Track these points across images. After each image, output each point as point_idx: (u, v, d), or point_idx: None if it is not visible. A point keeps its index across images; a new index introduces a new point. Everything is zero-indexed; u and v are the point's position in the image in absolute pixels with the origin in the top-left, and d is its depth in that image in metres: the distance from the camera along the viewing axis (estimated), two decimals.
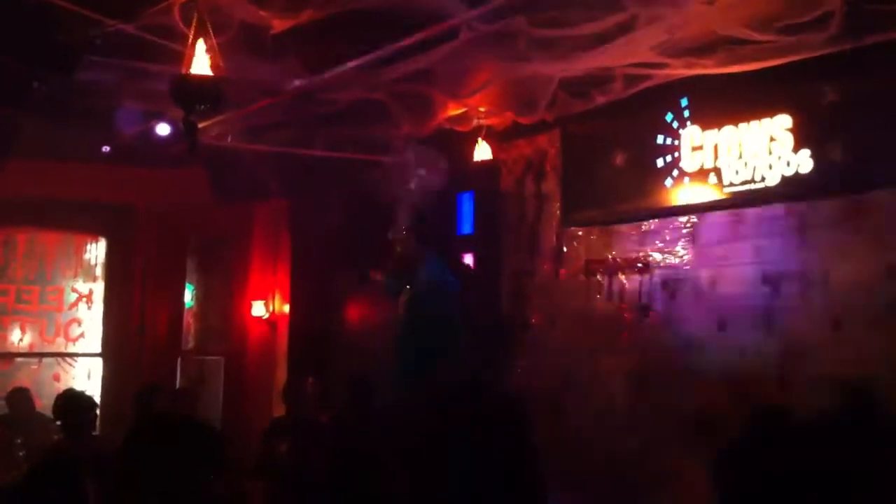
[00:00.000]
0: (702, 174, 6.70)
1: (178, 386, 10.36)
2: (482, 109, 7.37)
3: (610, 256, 7.37)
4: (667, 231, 6.96)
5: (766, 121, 6.26)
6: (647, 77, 6.21)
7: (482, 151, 7.91)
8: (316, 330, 9.91)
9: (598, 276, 7.42)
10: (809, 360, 5.81)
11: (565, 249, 7.78)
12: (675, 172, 6.89)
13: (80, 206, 10.18)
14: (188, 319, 11.16)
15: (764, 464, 1.45)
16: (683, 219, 6.85)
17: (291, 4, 5.39)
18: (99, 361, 10.70)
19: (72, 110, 7.55)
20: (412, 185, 6.35)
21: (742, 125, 6.42)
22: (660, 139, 6.98)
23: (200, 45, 5.02)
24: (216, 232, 10.92)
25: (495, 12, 5.36)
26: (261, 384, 10.15)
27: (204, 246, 11.23)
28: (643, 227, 7.16)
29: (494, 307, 8.33)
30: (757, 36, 5.36)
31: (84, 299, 10.79)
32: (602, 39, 5.61)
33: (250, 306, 10.36)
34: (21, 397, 8.60)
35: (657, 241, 7.02)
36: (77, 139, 8.63)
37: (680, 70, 5.97)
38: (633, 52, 5.75)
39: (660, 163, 6.99)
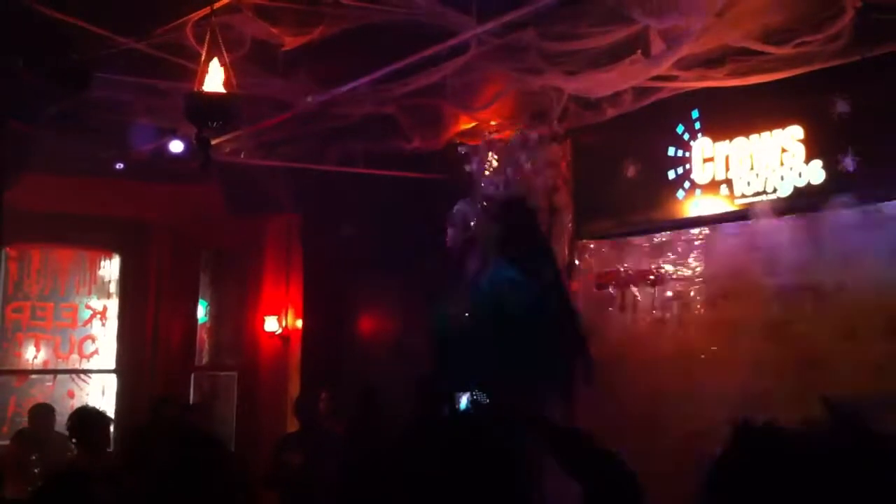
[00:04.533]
0: (713, 186, 6.69)
1: (191, 401, 10.38)
2: (493, 123, 7.39)
3: (622, 269, 7.36)
4: (679, 243, 6.94)
5: (777, 132, 6.25)
6: (658, 89, 6.23)
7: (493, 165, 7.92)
8: (329, 344, 9.92)
9: (611, 289, 7.41)
10: (823, 372, 5.78)
11: (577, 262, 7.77)
12: (687, 184, 6.89)
13: (93, 221, 10.22)
14: (202, 335, 11.20)
15: (758, 485, 1.45)
16: (695, 231, 6.83)
17: (303, 21, 5.43)
18: (113, 378, 10.73)
19: (86, 126, 7.60)
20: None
21: (753, 136, 6.41)
22: (671, 151, 6.98)
23: (213, 62, 5.06)
24: (229, 247, 10.96)
25: (505, 26, 5.38)
26: (274, 399, 10.16)
27: (217, 261, 11.27)
28: (655, 239, 7.14)
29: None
30: (767, 48, 5.37)
31: (98, 316, 10.83)
32: (613, 55, 5.62)
33: (263, 321, 10.38)
34: (43, 413, 8.59)
35: (669, 254, 7.00)
36: (91, 155, 8.68)
37: (691, 82, 5.98)
38: (646, 71, 5.77)
39: (671, 175, 6.99)
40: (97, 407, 7.49)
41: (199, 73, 5.07)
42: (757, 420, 1.53)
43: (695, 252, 6.81)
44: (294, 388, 9.90)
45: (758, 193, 6.38)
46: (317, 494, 7.02)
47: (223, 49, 5.06)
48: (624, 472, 2.36)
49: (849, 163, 5.80)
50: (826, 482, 1.39)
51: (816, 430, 1.46)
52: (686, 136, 6.89)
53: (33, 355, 10.54)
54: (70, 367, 10.67)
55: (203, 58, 5.07)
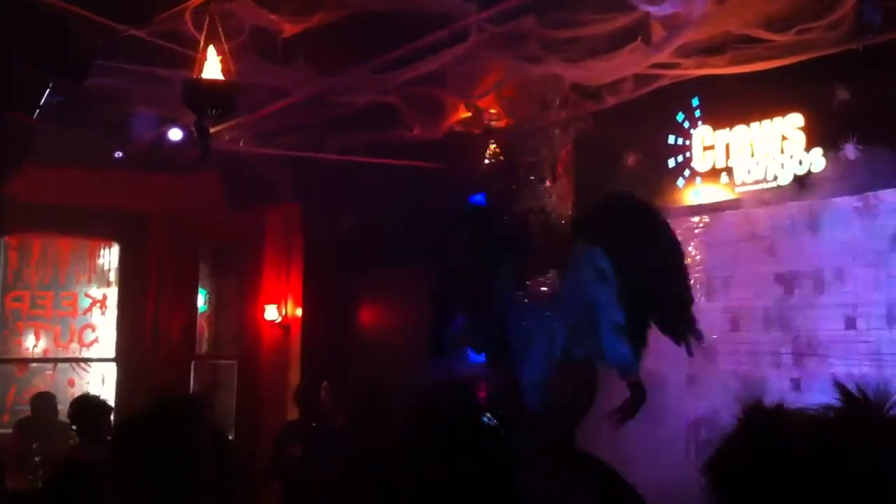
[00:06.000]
0: (714, 174, 6.68)
1: (192, 390, 10.39)
2: (493, 111, 7.36)
3: None
4: (679, 231, 6.90)
5: (777, 120, 6.24)
6: (658, 77, 6.21)
7: (494, 153, 7.89)
8: (329, 333, 9.92)
9: None
10: (823, 359, 5.79)
11: None
12: (687, 172, 6.88)
13: (93, 212, 10.22)
14: (202, 324, 11.20)
15: (766, 469, 1.45)
16: (696, 219, 6.83)
17: (302, 8, 5.41)
18: (113, 366, 10.74)
19: (85, 117, 7.59)
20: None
21: (754, 124, 6.40)
22: (671, 139, 6.97)
23: (212, 50, 5.04)
24: (229, 237, 10.95)
25: (506, 13, 5.36)
26: (274, 388, 10.17)
27: (217, 251, 11.27)
28: None
29: None
30: (768, 35, 5.35)
31: (98, 305, 10.84)
32: (613, 44, 5.61)
33: (263, 310, 10.38)
34: (45, 402, 8.59)
35: None
36: (90, 145, 8.67)
37: (691, 70, 5.96)
38: (646, 59, 5.75)
39: (671, 163, 6.98)
40: (98, 395, 7.49)
41: (198, 61, 5.06)
42: (766, 404, 1.53)
43: (695, 240, 6.81)
44: (294, 377, 9.90)
45: (758, 181, 6.38)
46: (316, 486, 7.03)
47: (222, 36, 5.05)
48: (629, 493, 2.38)
49: (849, 150, 5.79)
50: (836, 466, 1.39)
51: (826, 414, 1.46)
52: (686, 124, 6.88)
53: (33, 344, 10.56)
54: (70, 355, 10.68)
55: (202, 45, 5.06)
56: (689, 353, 5.22)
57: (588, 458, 2.63)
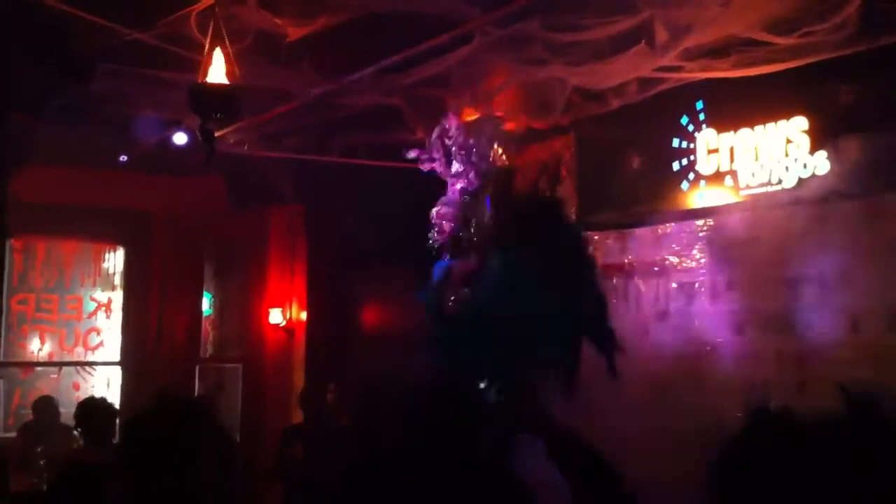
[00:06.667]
0: (718, 177, 6.68)
1: (196, 393, 10.40)
2: (498, 114, 7.37)
3: (626, 260, 7.35)
4: (683, 234, 6.93)
5: (782, 123, 6.23)
6: (663, 80, 6.21)
7: (497, 156, 7.89)
8: (333, 336, 9.92)
9: (615, 281, 7.40)
10: (827, 362, 5.78)
11: None
12: (692, 175, 6.87)
13: (98, 213, 10.24)
14: (206, 327, 11.20)
15: (771, 470, 1.45)
16: (700, 222, 6.82)
17: (306, 11, 5.42)
18: (118, 370, 10.75)
19: (90, 118, 7.60)
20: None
21: (758, 127, 6.39)
22: (675, 142, 6.96)
23: (217, 54, 5.05)
24: (233, 239, 10.96)
25: (510, 16, 5.37)
26: (279, 390, 10.18)
27: (221, 253, 11.28)
28: (660, 230, 7.12)
29: None
30: (772, 38, 5.35)
31: (103, 308, 10.85)
32: (617, 47, 5.61)
33: (268, 313, 10.39)
34: (47, 406, 8.63)
35: (674, 245, 6.99)
36: (95, 147, 8.68)
37: (695, 73, 5.96)
38: (650, 62, 5.75)
39: (676, 166, 6.97)
40: (104, 398, 7.50)
41: (203, 65, 5.07)
42: (770, 406, 1.53)
43: (699, 243, 6.80)
44: (298, 380, 9.91)
45: (762, 184, 6.37)
46: (319, 487, 7.05)
47: (227, 40, 5.06)
48: (611, 474, 2.41)
49: (854, 153, 5.78)
50: (840, 468, 1.39)
51: (831, 417, 1.46)
52: (690, 128, 6.87)
53: (38, 347, 10.57)
54: (75, 359, 10.69)
55: (206, 49, 5.07)
56: (610, 365, 5.19)
57: (578, 444, 2.64)
